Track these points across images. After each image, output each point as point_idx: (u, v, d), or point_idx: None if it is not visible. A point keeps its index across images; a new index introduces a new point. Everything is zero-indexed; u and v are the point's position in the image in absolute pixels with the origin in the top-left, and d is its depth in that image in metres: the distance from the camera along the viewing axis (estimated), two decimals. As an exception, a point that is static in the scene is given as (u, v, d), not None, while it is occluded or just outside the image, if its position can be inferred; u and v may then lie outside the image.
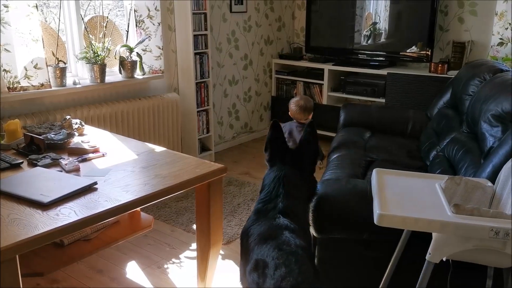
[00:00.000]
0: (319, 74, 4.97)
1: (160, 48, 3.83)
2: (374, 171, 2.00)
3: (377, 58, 4.78)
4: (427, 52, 4.43)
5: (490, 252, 1.59)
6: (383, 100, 4.60)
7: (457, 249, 1.58)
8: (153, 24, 3.75)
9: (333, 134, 3.86)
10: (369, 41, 4.89)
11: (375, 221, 1.61)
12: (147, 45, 3.79)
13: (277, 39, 5.37)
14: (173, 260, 2.85)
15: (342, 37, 5.04)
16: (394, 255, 2.03)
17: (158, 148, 2.58)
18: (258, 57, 5.15)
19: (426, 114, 3.68)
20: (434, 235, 1.62)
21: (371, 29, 4.85)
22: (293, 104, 3.27)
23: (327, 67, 4.90)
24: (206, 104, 4.35)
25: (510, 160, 1.80)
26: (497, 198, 1.79)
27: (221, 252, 2.83)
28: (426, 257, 1.64)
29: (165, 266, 2.78)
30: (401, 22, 4.71)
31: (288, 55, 5.36)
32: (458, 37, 4.42)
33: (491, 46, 4.16)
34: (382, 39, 4.82)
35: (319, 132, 5.54)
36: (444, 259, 1.63)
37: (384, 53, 4.78)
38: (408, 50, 4.59)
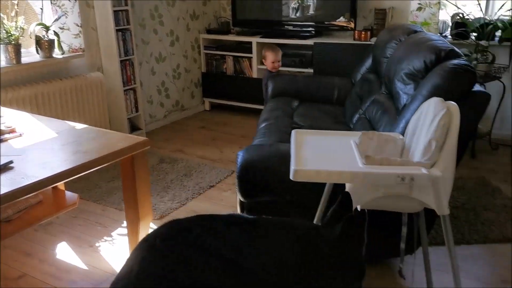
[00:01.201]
0: (247, 47, 4.98)
1: (78, 26, 3.69)
2: (293, 132, 2.05)
3: (305, 29, 4.84)
4: (351, 21, 4.54)
5: (400, 198, 1.68)
6: (312, 70, 4.69)
7: (369, 197, 1.66)
8: (69, 1, 3.61)
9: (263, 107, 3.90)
10: (297, 14, 4.94)
11: (291, 177, 1.65)
12: (64, 23, 3.64)
13: (203, 13, 5.31)
14: (105, 238, 2.81)
15: (269, 9, 5.05)
16: (318, 210, 2.10)
17: (79, 125, 2.51)
18: (185, 33, 5.08)
19: (351, 80, 3.78)
20: (347, 185, 1.69)
21: (299, 1, 4.90)
22: None
23: (255, 40, 4.91)
24: (133, 82, 4.26)
25: (415, 112, 1.90)
26: (406, 149, 1.89)
27: (153, 226, 2.82)
28: (342, 208, 1.70)
29: (97, 244, 2.74)
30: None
31: (215, 30, 5.32)
32: (380, 4, 4.55)
33: (411, 12, 4.32)
34: (311, 11, 4.88)
35: (249, 106, 5.54)
36: (359, 208, 1.70)
37: (312, 23, 4.83)
38: (336, 21, 4.66)
